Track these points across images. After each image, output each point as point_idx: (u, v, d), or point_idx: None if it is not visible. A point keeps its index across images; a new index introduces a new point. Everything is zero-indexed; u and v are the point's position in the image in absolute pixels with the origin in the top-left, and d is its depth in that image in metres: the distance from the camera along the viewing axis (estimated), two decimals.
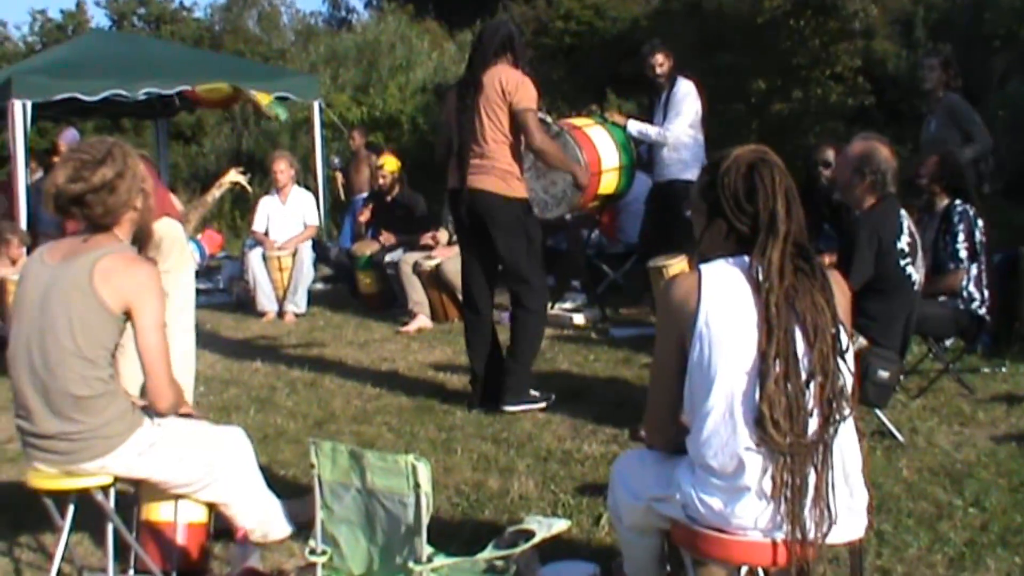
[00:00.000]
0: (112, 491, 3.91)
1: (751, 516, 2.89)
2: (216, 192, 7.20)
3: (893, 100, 17.35)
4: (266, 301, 10.34)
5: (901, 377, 5.77)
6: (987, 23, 16.63)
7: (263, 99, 11.01)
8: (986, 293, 6.34)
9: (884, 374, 5.20)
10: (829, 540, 2.92)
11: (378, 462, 3.23)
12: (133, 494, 4.22)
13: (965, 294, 6.28)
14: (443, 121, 6.57)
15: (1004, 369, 6.99)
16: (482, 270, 6.59)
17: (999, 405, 6.22)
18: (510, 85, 6.24)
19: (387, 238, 10.43)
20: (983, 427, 5.84)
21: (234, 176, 7.26)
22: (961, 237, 6.30)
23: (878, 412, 5.52)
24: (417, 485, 3.16)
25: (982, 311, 6.33)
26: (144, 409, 3.91)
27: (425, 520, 3.18)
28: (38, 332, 3.69)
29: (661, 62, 8.74)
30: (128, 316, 3.69)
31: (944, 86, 8.18)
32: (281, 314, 10.29)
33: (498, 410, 6.38)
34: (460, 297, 9.16)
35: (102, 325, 3.67)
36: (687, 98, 8.62)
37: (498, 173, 6.31)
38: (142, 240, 3.96)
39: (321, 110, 13.50)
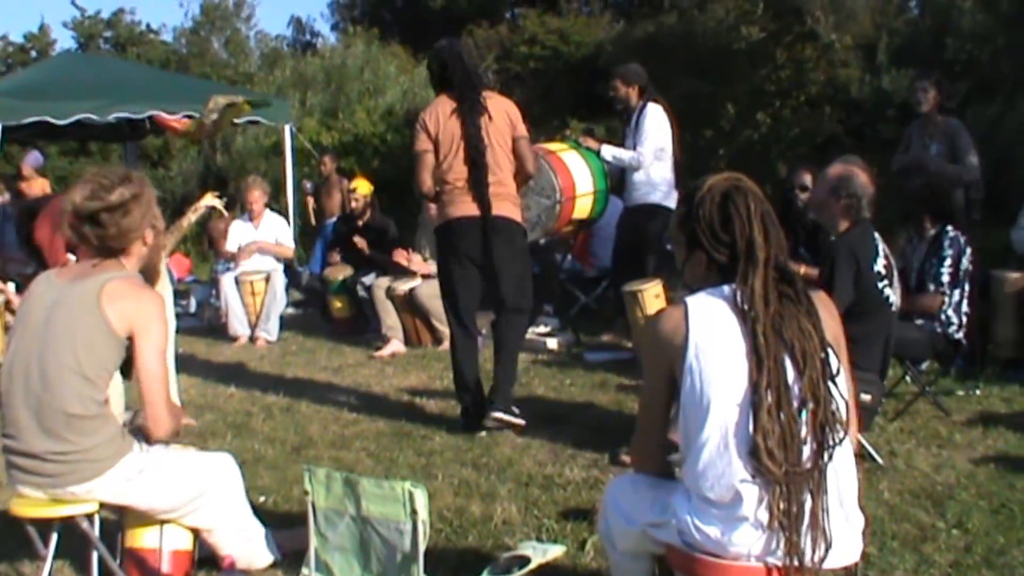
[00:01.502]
0: (97, 518, 3.88)
1: (748, 543, 2.90)
2: (192, 216, 7.19)
3: (857, 125, 17.47)
4: (238, 326, 10.30)
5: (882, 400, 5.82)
6: (949, 48, 16.78)
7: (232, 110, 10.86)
8: (964, 318, 6.41)
9: (866, 397, 5.23)
10: (826, 565, 2.93)
11: (374, 489, 3.23)
12: (116, 521, 4.19)
13: (943, 317, 6.35)
14: (427, 149, 6.37)
15: (978, 391, 7.06)
16: (476, 294, 6.60)
17: (975, 427, 6.28)
18: (514, 115, 6.43)
19: (360, 242, 10.37)
20: (961, 449, 5.89)
21: (210, 200, 7.25)
22: (948, 262, 6.38)
23: (858, 435, 5.55)
24: (414, 512, 3.16)
25: (959, 335, 6.39)
26: (134, 434, 3.90)
27: (422, 547, 3.18)
28: (39, 348, 3.69)
29: (616, 87, 8.79)
30: (131, 340, 3.69)
31: (938, 107, 8.31)
32: (253, 339, 10.24)
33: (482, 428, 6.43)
34: (434, 322, 9.21)
35: (105, 346, 3.68)
36: (654, 123, 8.63)
37: (512, 199, 6.42)
38: (147, 278, 3.98)
39: (292, 134, 13.48)
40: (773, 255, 2.98)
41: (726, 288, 3.01)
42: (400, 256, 9.79)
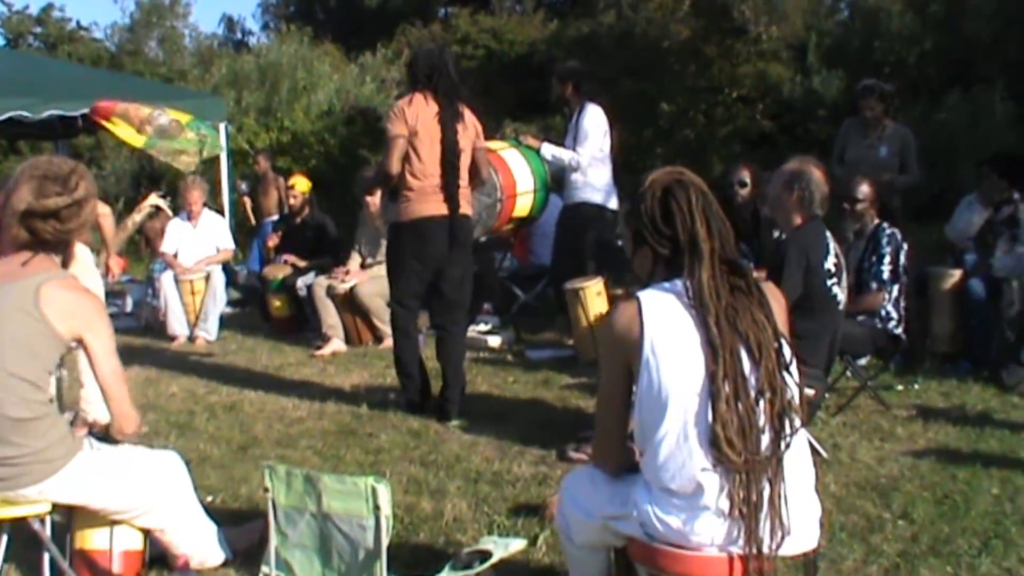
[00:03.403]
0: (48, 519, 3.84)
1: (710, 533, 2.92)
2: (137, 217, 7.15)
3: (789, 124, 17.66)
4: (177, 325, 10.16)
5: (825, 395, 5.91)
6: (877, 51, 17.04)
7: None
8: (903, 313, 6.52)
9: (809, 392, 5.30)
10: (785, 552, 2.97)
11: (335, 485, 3.22)
12: (64, 523, 4.14)
13: (883, 313, 6.46)
14: (402, 134, 6.52)
15: (917, 386, 7.19)
16: (423, 287, 6.80)
17: (915, 421, 6.41)
18: (479, 127, 6.81)
19: (292, 260, 10.34)
20: (902, 442, 6.00)
21: (154, 200, 7.20)
22: (887, 259, 6.49)
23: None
24: (377, 507, 3.15)
25: (898, 330, 6.50)
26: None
27: (385, 543, 3.17)
28: None
29: (553, 85, 8.85)
30: (78, 342, 3.65)
31: (885, 114, 8.52)
32: (192, 338, 10.12)
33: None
34: (374, 320, 9.18)
35: (49, 350, 3.64)
36: (592, 122, 8.67)
37: (469, 199, 6.73)
38: (64, 263, 3.92)
39: (227, 132, 13.34)
40: (718, 248, 3.01)
41: (677, 282, 3.03)
42: (340, 274, 9.68)
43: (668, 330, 2.96)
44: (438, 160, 6.53)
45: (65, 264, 3.94)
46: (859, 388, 6.65)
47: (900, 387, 7.17)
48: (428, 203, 6.57)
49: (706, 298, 2.94)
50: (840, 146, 8.83)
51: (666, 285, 3.05)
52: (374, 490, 3.12)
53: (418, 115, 6.52)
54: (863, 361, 6.91)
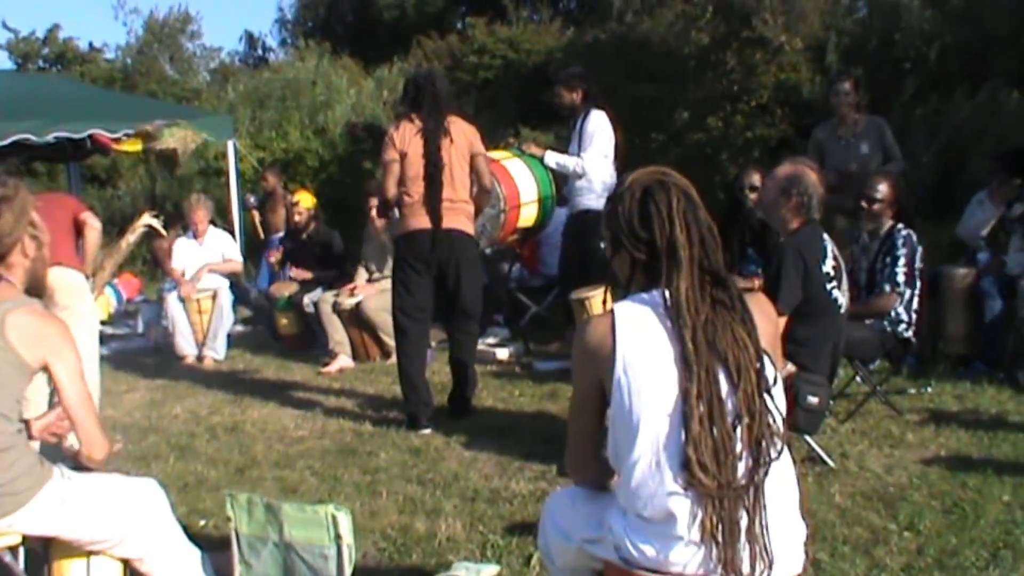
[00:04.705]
0: (21, 550, 3.75)
1: (685, 561, 2.77)
2: (131, 237, 7.10)
3: (809, 126, 17.45)
4: (185, 345, 10.09)
5: (831, 402, 5.74)
6: (897, 46, 16.86)
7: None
8: (914, 316, 6.35)
9: (813, 400, 5.15)
10: None
11: (296, 513, 3.11)
12: (41, 553, 4.03)
13: (893, 315, 6.29)
14: (394, 159, 6.85)
15: (930, 389, 7.03)
16: (427, 307, 7.03)
17: (927, 426, 6.26)
18: (472, 135, 7.02)
19: (299, 274, 10.28)
20: (913, 449, 5.85)
21: (147, 219, 7.14)
22: (902, 261, 6.34)
23: (808, 438, 5.49)
24: (338, 536, 3.04)
25: (908, 333, 6.33)
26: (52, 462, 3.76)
27: (348, 572, 3.05)
28: None
29: (560, 94, 8.70)
30: (45, 371, 3.55)
31: (855, 107, 8.28)
32: (200, 358, 10.05)
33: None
34: (381, 335, 9.09)
35: (17, 380, 3.55)
36: (597, 128, 8.53)
37: (467, 214, 6.95)
38: (36, 294, 3.81)
39: (236, 150, 13.27)
40: (698, 255, 2.84)
41: (655, 292, 2.87)
42: (348, 289, 9.59)
43: (642, 347, 2.80)
44: (422, 176, 6.79)
45: (38, 294, 3.86)
46: (869, 393, 6.49)
47: (913, 391, 7.02)
48: (416, 217, 6.85)
49: (683, 310, 2.77)
50: (815, 151, 8.56)
51: (644, 296, 2.89)
52: (334, 518, 3.01)
53: (405, 138, 6.83)
54: (874, 365, 6.75)
